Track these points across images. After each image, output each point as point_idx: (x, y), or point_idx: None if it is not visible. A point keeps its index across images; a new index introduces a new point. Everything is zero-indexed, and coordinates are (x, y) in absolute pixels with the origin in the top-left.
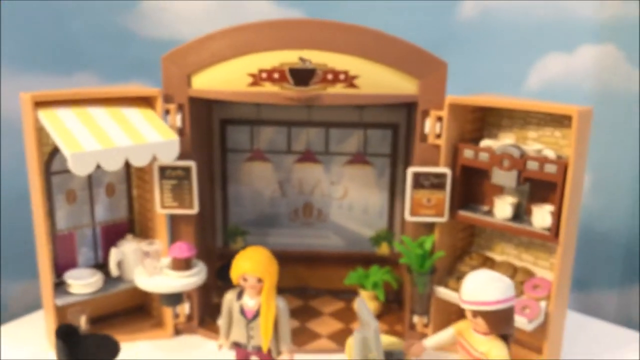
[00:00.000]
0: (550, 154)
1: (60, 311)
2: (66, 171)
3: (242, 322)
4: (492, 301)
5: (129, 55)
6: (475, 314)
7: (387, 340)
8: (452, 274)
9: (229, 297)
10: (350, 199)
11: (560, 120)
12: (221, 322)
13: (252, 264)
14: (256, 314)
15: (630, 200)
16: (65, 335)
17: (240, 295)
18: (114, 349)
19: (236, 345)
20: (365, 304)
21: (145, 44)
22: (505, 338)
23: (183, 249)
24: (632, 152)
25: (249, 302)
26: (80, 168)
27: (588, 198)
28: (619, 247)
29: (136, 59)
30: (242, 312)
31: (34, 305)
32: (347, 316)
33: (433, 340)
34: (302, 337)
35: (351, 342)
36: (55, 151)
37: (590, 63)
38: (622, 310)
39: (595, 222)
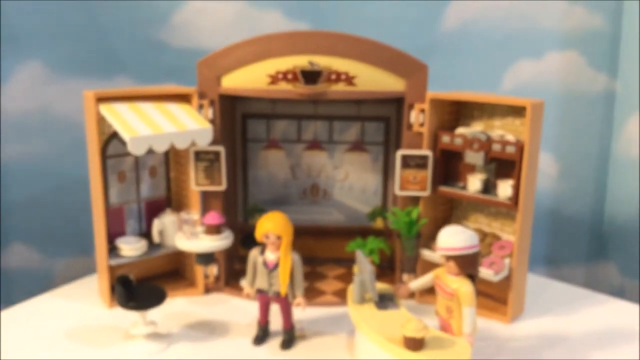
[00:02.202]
0: (511, 138)
1: (112, 271)
2: (118, 155)
3: (264, 272)
4: (459, 247)
5: (160, 62)
6: (448, 258)
7: (381, 286)
8: (434, 239)
9: (254, 253)
10: (350, 181)
11: (519, 112)
12: (247, 274)
13: (273, 224)
14: (276, 266)
15: (594, 186)
16: (123, 283)
17: (262, 251)
18: (162, 295)
19: (259, 292)
20: (363, 254)
21: (175, 53)
22: (472, 278)
23: (215, 217)
24: (595, 144)
25: (270, 256)
26: (136, 149)
27: (556, 184)
28: (585, 228)
29: (167, 65)
30: (265, 264)
31: (76, 278)
32: (348, 278)
33: (417, 283)
34: (310, 294)
35: (352, 286)
36: (109, 139)
37: (556, 67)
38: (588, 285)
39: (564, 205)
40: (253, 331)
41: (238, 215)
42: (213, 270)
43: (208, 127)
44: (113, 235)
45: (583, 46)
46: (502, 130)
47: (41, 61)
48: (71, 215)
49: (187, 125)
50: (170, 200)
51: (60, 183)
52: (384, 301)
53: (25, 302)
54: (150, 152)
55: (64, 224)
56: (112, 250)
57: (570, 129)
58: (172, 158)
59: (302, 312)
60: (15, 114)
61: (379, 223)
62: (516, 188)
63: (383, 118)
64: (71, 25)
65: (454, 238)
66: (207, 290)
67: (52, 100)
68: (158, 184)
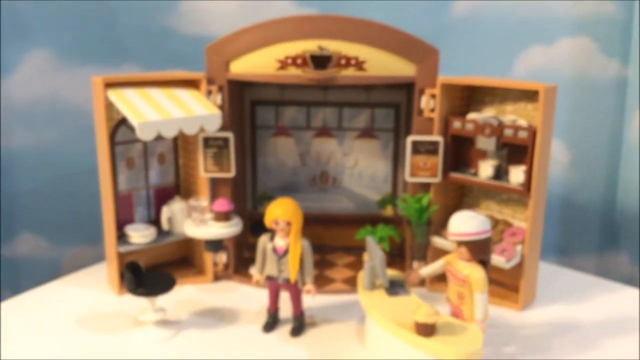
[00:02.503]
0: (523, 122)
1: (121, 258)
2: (127, 142)
3: (274, 259)
4: (471, 232)
5: (168, 49)
6: (459, 243)
7: (391, 273)
8: (444, 226)
9: (263, 239)
10: (360, 168)
11: (532, 96)
12: (256, 261)
13: (282, 210)
14: (285, 252)
15: (606, 174)
16: (132, 269)
17: (272, 238)
18: (171, 282)
19: (269, 279)
20: (374, 240)
21: (183, 40)
22: (483, 264)
23: (224, 204)
24: (607, 131)
25: (280, 242)
26: (145, 134)
27: (568, 172)
28: (596, 216)
29: (175, 52)
30: (274, 250)
31: (84, 266)
32: (358, 266)
33: (427, 269)
34: (320, 282)
35: (362, 273)
36: (118, 125)
37: (568, 54)
38: (600, 274)
39: (575, 194)
40: (262, 318)
41: (247, 203)
42: (222, 257)
43: (217, 112)
44: (122, 222)
45: (595, 32)
46: (514, 116)
47: (48, 49)
48: (79, 203)
49: (195, 110)
50: (179, 187)
51: (68, 171)
52: (395, 287)
53: (33, 290)
54: (158, 138)
55: (72, 212)
56: (121, 237)
57: (581, 117)
58: (180, 145)
59: (311, 300)
60: (23, 103)
61: (388, 211)
62: (528, 174)
63: (393, 104)
64: (78, 12)
65: (466, 223)
66: (216, 277)
67: (60, 88)
68: (167, 171)
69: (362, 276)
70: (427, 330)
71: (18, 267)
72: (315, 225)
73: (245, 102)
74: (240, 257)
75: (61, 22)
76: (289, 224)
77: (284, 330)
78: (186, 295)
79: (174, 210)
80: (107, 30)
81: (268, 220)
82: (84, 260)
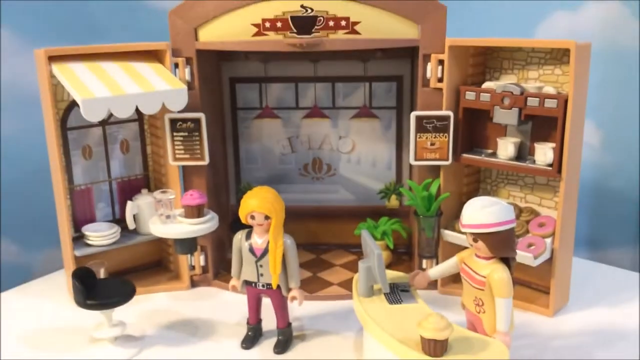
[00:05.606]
0: (550, 90)
1: (79, 262)
2: (82, 127)
3: (251, 260)
4: (490, 223)
5: (139, 26)
6: (476, 237)
7: (393, 275)
8: (458, 217)
9: (238, 236)
10: (358, 153)
11: (560, 58)
12: (232, 262)
13: (258, 202)
14: (264, 252)
15: None
16: (82, 277)
17: (249, 235)
18: (129, 291)
19: (247, 285)
20: (369, 234)
21: (155, 14)
22: (506, 262)
23: (194, 196)
24: None
25: (257, 240)
26: (91, 114)
27: (599, 156)
28: (632, 204)
29: (150, 29)
30: (251, 250)
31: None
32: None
33: (437, 269)
34: (313, 285)
35: (357, 276)
36: (70, 107)
37: (595, 20)
38: (638, 270)
39: (607, 180)
40: (243, 331)
41: (230, 197)
42: (199, 260)
43: (181, 87)
44: (81, 222)
45: None
46: (540, 83)
47: (9, 29)
48: (47, 202)
49: (155, 85)
50: (147, 179)
51: (35, 166)
52: (397, 293)
53: None
54: (118, 122)
55: (41, 212)
56: (80, 239)
57: (612, 91)
58: (148, 130)
59: (300, 307)
60: None
61: (393, 202)
62: (558, 152)
63: (394, 77)
64: None
65: (482, 212)
66: (194, 283)
67: (22, 73)
68: (132, 161)
69: (357, 279)
70: (436, 347)
71: None
72: (309, 221)
73: (224, 80)
74: (222, 259)
75: None
76: (267, 218)
77: (268, 345)
78: (157, 304)
79: (140, 206)
80: (75, 7)
81: (242, 215)
82: (58, 266)
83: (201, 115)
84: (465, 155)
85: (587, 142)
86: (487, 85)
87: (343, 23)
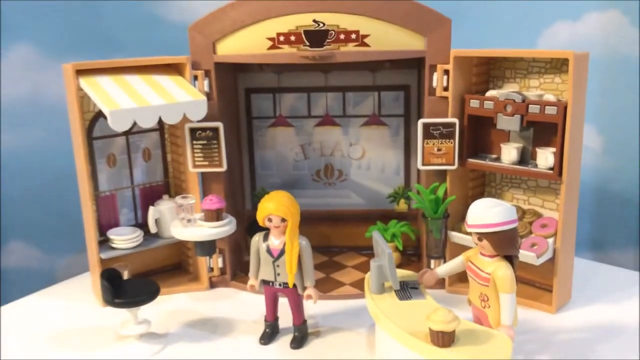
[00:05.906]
0: (551, 97)
1: (104, 265)
2: (107, 136)
3: (268, 261)
4: (494, 223)
5: (158, 39)
6: (480, 237)
7: (403, 273)
8: (464, 219)
9: (256, 238)
10: (368, 159)
11: (560, 67)
12: (250, 263)
13: (275, 205)
14: (281, 253)
15: None
16: (110, 278)
17: (266, 237)
18: (154, 291)
19: (264, 284)
20: (381, 235)
21: (172, 28)
22: (510, 260)
23: (213, 201)
24: None
25: (274, 241)
26: (118, 124)
27: (600, 160)
28: (633, 207)
29: (165, 42)
30: (269, 251)
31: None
32: (369, 268)
33: (444, 268)
34: (326, 286)
35: (369, 274)
36: (96, 118)
37: (596, 29)
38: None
39: (609, 183)
40: (260, 328)
41: (246, 202)
42: (217, 262)
43: (201, 98)
44: (106, 226)
45: (626, 4)
46: (540, 91)
47: (32, 44)
48: (71, 208)
49: (177, 97)
50: (168, 186)
51: (58, 174)
52: (407, 290)
53: (13, 302)
54: (142, 131)
55: (64, 218)
56: (105, 242)
57: (613, 97)
58: (168, 139)
59: (317, 306)
60: (6, 102)
61: (402, 205)
62: (559, 156)
63: (402, 87)
64: (61, 4)
65: (487, 212)
66: (212, 284)
67: (45, 85)
68: (154, 168)
69: (369, 277)
70: (444, 339)
71: (9, 279)
72: (321, 224)
73: (239, 91)
74: (239, 261)
75: (43, 15)
76: (283, 220)
77: (284, 341)
78: (178, 304)
79: (162, 211)
80: (92, 22)
81: (260, 218)
82: (80, 270)
83: (219, 125)
84: (470, 160)
85: (589, 147)
86: (490, 93)
87: (353, 36)
